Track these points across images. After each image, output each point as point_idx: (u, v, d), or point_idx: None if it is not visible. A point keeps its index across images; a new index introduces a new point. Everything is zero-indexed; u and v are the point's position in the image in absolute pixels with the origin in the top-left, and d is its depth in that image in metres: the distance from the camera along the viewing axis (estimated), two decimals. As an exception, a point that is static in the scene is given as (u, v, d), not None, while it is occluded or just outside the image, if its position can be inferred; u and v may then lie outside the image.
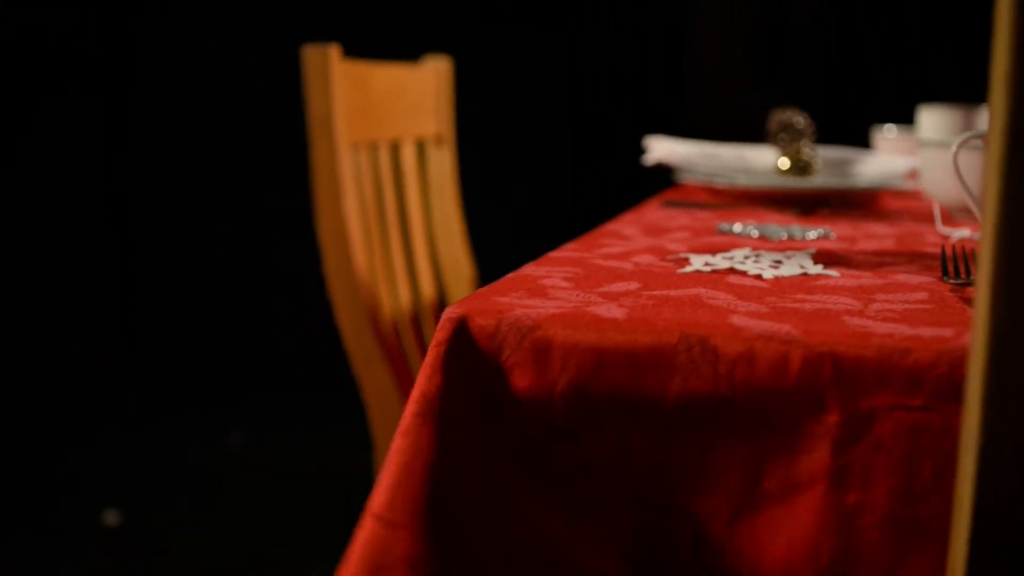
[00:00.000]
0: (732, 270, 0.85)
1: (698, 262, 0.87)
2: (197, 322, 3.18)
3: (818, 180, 1.38)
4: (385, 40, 2.15)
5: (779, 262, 0.88)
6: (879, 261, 0.91)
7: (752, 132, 2.16)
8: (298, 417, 2.91)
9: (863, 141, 2.14)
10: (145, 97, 3.07)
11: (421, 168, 1.59)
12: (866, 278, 0.83)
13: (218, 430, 2.78)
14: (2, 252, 2.73)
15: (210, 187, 3.16)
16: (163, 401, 2.95)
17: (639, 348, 0.66)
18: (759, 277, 0.83)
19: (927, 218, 1.22)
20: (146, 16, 3.02)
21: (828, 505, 0.64)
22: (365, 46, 1.64)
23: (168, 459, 2.62)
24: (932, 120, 1.50)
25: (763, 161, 1.49)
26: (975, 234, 1.07)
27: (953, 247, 0.96)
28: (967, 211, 1.18)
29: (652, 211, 1.25)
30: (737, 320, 0.68)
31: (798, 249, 0.96)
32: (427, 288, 1.54)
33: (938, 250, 0.98)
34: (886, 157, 1.50)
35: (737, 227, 1.07)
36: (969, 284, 0.79)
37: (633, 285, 0.78)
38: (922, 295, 0.76)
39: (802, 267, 0.86)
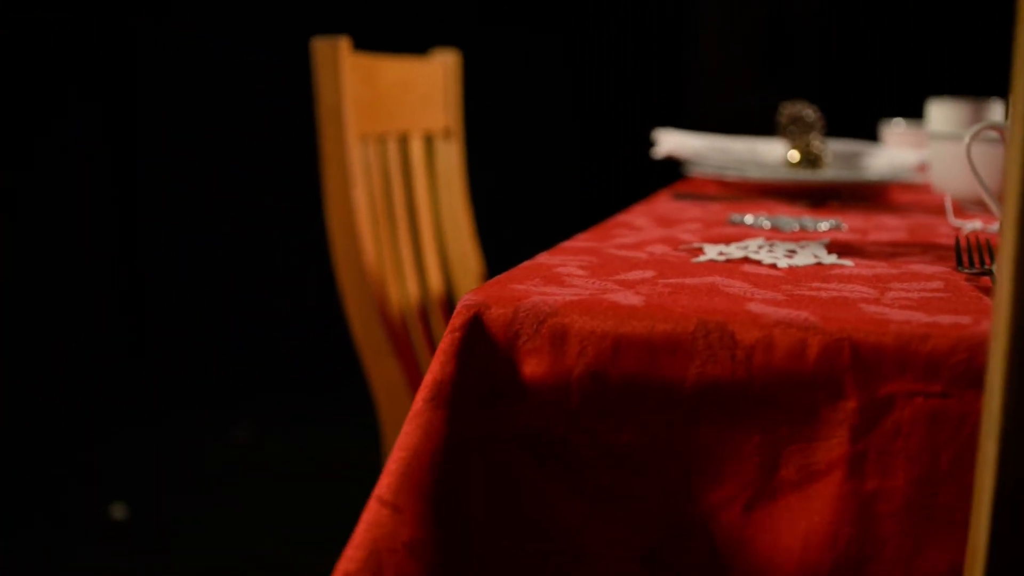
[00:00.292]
0: (746, 259, 0.85)
1: (712, 251, 0.87)
2: (204, 319, 3.19)
3: (828, 173, 1.38)
4: (389, 38, 2.15)
5: (793, 251, 0.87)
6: (893, 251, 0.91)
7: (754, 130, 2.16)
8: (303, 414, 2.92)
9: (864, 139, 2.14)
10: (146, 96, 3.07)
11: (429, 161, 1.59)
12: (881, 267, 0.82)
13: (224, 426, 2.78)
14: (9, 251, 2.73)
15: (214, 185, 3.16)
16: (170, 397, 2.95)
17: (656, 335, 0.66)
18: (774, 266, 0.82)
19: (938, 210, 1.22)
20: (146, 15, 3.01)
21: (846, 492, 0.63)
22: (368, 44, 1.64)
23: (175, 454, 2.63)
24: (942, 113, 1.50)
25: (773, 154, 1.49)
26: (987, 226, 1.07)
27: (967, 237, 0.96)
28: (978, 203, 1.18)
29: (663, 203, 1.25)
30: (754, 307, 0.68)
31: (811, 239, 0.96)
32: (435, 281, 1.54)
33: (950, 241, 0.98)
34: (896, 150, 1.50)
35: (749, 218, 1.07)
36: (984, 274, 0.79)
37: (649, 273, 0.78)
38: (937, 284, 0.76)
39: (816, 256, 0.86)
